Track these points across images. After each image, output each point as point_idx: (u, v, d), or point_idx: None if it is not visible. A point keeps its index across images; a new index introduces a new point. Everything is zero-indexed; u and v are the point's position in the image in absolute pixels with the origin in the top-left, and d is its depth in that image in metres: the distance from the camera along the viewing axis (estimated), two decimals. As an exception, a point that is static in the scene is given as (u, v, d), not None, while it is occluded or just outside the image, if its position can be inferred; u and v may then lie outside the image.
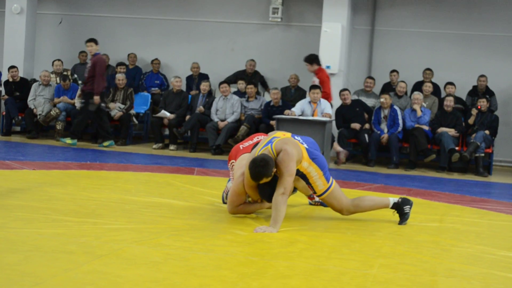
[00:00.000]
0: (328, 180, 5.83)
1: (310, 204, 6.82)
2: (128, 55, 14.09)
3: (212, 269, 4.29)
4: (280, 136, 5.78)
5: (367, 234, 5.68)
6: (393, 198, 6.14)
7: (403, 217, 6.10)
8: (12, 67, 13.17)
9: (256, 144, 6.09)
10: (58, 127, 12.51)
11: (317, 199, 6.64)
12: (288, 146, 5.58)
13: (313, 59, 11.38)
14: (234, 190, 5.88)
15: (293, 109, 11.67)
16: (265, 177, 5.53)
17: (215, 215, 6.11)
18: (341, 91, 11.93)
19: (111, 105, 12.47)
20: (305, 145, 5.79)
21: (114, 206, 6.20)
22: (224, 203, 6.59)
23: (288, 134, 5.88)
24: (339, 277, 4.27)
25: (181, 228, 5.43)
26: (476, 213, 7.22)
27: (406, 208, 6.09)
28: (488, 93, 12.30)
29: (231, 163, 6.26)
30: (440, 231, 6.04)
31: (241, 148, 6.28)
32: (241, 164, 5.98)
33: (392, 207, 6.10)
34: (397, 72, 12.80)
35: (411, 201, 6.15)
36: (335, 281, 4.17)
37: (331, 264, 4.60)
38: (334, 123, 11.80)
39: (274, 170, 5.57)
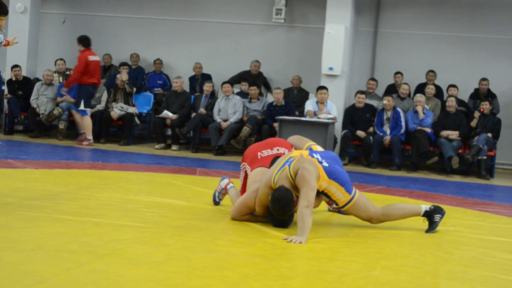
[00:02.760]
0: (350, 192, 5.74)
1: (329, 210, 6.63)
2: (131, 55, 14.10)
3: (214, 269, 4.29)
4: (297, 155, 5.71)
5: (369, 236, 5.67)
6: (425, 206, 5.99)
7: (432, 226, 5.98)
8: (15, 66, 13.18)
9: (276, 157, 5.99)
10: (61, 126, 12.52)
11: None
12: (306, 164, 5.53)
13: (81, 40, 11.62)
14: (245, 203, 5.82)
15: (307, 106, 11.70)
16: (289, 213, 5.54)
17: (217, 215, 6.11)
18: (357, 93, 11.94)
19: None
20: (324, 164, 5.67)
21: (116, 205, 6.20)
22: (216, 202, 6.58)
23: (306, 153, 5.79)
24: (341, 279, 4.27)
25: (183, 228, 5.43)
26: (478, 216, 7.22)
27: (437, 217, 5.96)
28: (490, 96, 12.29)
29: (243, 166, 6.19)
30: (442, 233, 6.03)
31: (259, 156, 6.12)
32: (256, 178, 5.88)
33: (424, 215, 5.97)
34: (401, 74, 12.80)
35: (443, 210, 6.00)
36: (337, 283, 4.17)
37: (333, 265, 4.60)
38: (336, 124, 11.80)
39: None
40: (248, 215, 5.88)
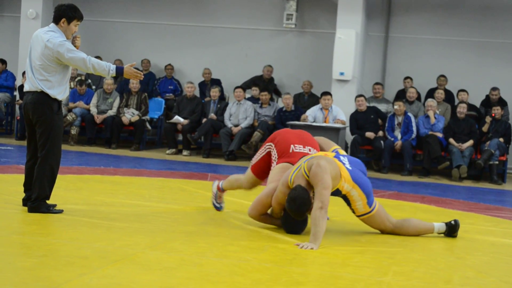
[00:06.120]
0: (370, 205, 5.69)
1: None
2: (142, 60, 14.13)
3: (226, 275, 4.29)
4: (319, 155, 5.64)
5: (380, 242, 5.66)
6: (438, 225, 5.97)
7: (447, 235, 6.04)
8: (27, 72, 13.22)
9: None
10: (73, 132, 12.56)
11: None
12: (320, 160, 5.42)
13: None
14: (262, 200, 5.80)
15: (307, 112, 11.65)
16: (307, 213, 5.47)
17: (229, 220, 6.11)
18: (356, 97, 11.92)
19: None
20: (348, 166, 5.57)
21: (128, 211, 6.22)
22: (216, 207, 6.57)
23: (332, 155, 5.72)
24: (353, 284, 4.26)
25: (195, 233, 5.44)
26: (491, 221, 7.19)
27: (453, 235, 6.01)
28: (501, 104, 12.20)
29: (269, 146, 6.10)
30: (454, 239, 6.00)
31: (291, 150, 5.98)
32: (276, 176, 5.82)
33: (440, 233, 5.99)
34: (411, 79, 12.77)
35: (458, 226, 5.99)
36: (349, 289, 4.17)
37: (345, 271, 4.59)
38: (346, 129, 11.78)
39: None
40: (265, 216, 5.86)
